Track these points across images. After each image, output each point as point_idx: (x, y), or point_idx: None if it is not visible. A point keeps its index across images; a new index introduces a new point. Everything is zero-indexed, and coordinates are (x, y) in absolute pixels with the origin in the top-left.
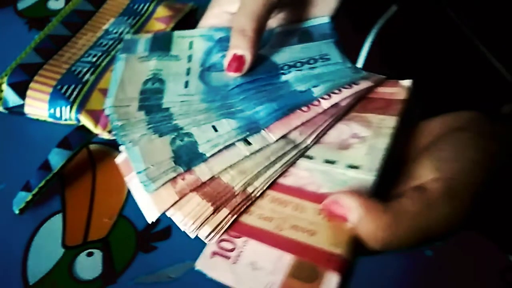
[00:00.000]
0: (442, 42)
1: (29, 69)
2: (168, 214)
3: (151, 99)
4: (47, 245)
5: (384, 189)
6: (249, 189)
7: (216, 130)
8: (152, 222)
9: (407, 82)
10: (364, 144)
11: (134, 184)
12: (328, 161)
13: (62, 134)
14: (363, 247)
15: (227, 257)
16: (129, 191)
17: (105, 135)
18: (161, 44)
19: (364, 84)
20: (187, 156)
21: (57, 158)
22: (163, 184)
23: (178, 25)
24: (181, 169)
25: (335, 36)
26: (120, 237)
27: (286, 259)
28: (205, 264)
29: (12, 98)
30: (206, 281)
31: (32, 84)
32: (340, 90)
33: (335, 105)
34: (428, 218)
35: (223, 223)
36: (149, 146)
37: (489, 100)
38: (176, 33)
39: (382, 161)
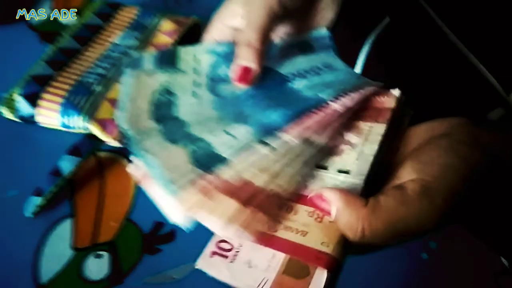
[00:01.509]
0: (432, 51)
1: (41, 80)
2: (194, 215)
3: (162, 110)
4: (58, 247)
5: (374, 191)
6: (275, 188)
7: (230, 135)
8: (157, 225)
9: (396, 92)
10: (355, 150)
11: (154, 190)
12: (320, 167)
13: (72, 141)
14: (352, 248)
15: (225, 256)
16: (135, 196)
17: (113, 143)
18: (167, 60)
19: (368, 89)
20: (206, 160)
21: (67, 164)
22: (186, 187)
23: (182, 37)
24: (201, 171)
25: (334, 46)
26: (126, 240)
27: (279, 258)
28: (205, 263)
29: (25, 108)
30: (208, 282)
31: (44, 95)
32: (347, 94)
33: (344, 107)
34: (403, 215)
35: (252, 221)
36: (165, 153)
37: (477, 106)
38: (181, 48)
39: (371, 166)
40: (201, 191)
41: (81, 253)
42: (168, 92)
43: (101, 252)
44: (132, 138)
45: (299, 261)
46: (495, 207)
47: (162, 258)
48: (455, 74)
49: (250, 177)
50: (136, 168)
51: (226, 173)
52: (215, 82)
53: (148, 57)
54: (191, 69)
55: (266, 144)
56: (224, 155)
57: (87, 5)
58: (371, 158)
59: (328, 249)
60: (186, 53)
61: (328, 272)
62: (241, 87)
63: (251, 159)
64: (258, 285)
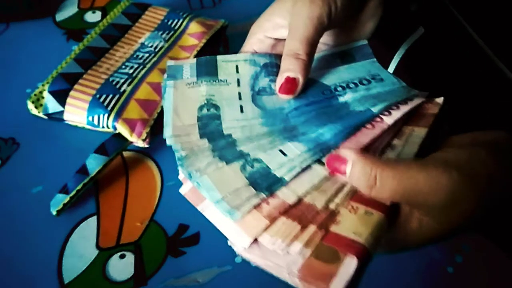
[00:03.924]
0: (465, 62)
1: (69, 78)
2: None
3: (210, 125)
4: (82, 246)
5: None
6: (331, 206)
7: (284, 154)
8: (181, 228)
9: (439, 100)
10: (394, 151)
11: (211, 212)
12: None
13: (99, 140)
14: (383, 245)
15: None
16: (160, 198)
17: (140, 143)
18: (207, 69)
19: (417, 101)
20: (265, 182)
21: (94, 163)
22: (250, 212)
23: (209, 40)
24: (263, 195)
25: (373, 56)
26: (151, 241)
27: None
28: None
29: (53, 105)
30: (232, 286)
31: (72, 93)
32: (397, 107)
33: (395, 119)
34: (416, 175)
35: (313, 238)
36: (219, 174)
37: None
38: (220, 57)
39: None
40: (266, 216)
41: (105, 252)
42: (213, 106)
43: (125, 252)
44: (182, 158)
45: (330, 247)
46: None
47: (186, 261)
48: (487, 85)
49: (311, 200)
50: (189, 190)
51: (290, 197)
52: (257, 93)
53: (187, 66)
54: (234, 80)
55: (322, 163)
56: (286, 178)
57: (114, 5)
58: (409, 158)
59: (360, 239)
60: (226, 62)
61: (358, 260)
62: (284, 99)
63: (312, 180)
64: (287, 265)
